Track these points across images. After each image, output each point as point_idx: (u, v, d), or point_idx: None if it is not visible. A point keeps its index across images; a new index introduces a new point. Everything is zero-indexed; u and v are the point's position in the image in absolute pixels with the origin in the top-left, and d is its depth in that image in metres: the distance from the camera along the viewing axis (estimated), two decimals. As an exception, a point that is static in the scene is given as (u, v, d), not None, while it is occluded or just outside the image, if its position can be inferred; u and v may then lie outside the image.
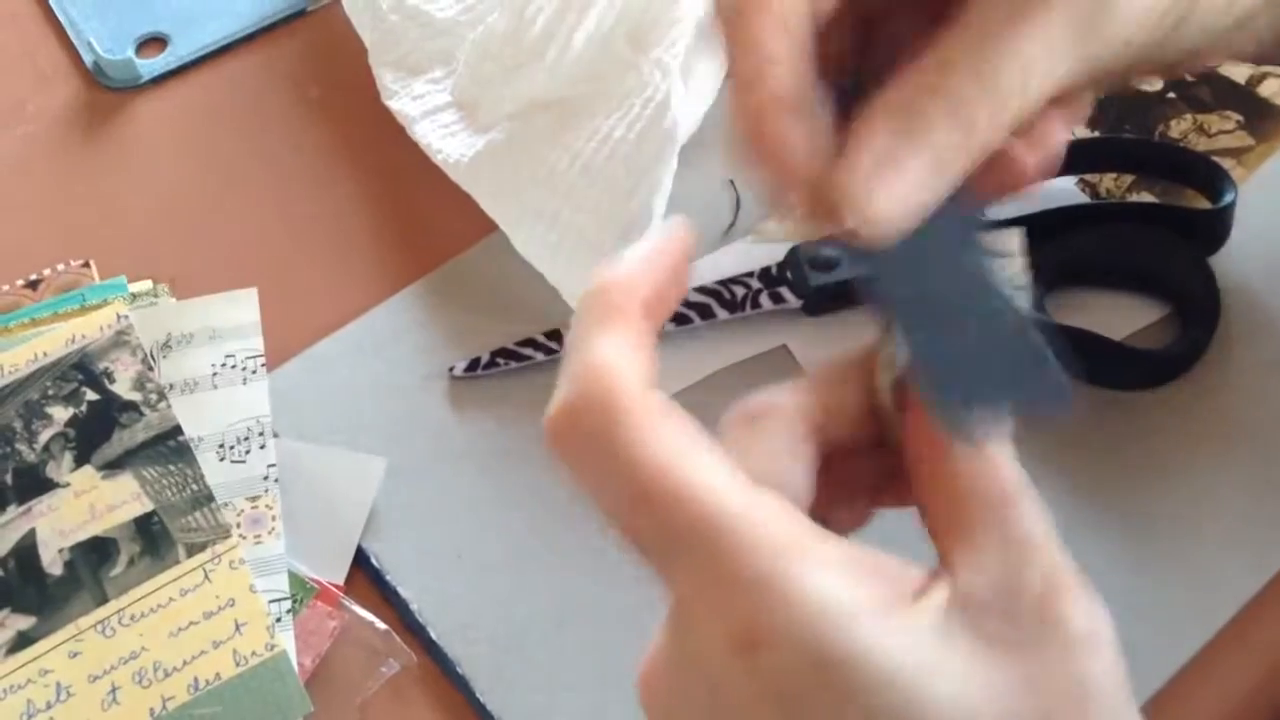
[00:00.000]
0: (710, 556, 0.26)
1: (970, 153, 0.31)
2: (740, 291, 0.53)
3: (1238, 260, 0.53)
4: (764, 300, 0.53)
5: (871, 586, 0.27)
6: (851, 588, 0.26)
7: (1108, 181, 0.56)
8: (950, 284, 0.32)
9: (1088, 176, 0.56)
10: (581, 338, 0.29)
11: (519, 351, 0.52)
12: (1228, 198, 0.52)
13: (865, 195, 0.29)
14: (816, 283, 0.53)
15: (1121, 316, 0.52)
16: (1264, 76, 0.60)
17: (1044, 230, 0.52)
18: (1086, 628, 0.28)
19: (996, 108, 0.31)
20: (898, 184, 0.30)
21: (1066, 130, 0.35)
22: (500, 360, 0.52)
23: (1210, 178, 0.53)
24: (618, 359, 0.28)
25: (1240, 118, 0.59)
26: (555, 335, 0.53)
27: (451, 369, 0.52)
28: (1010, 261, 0.33)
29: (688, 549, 0.27)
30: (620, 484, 0.28)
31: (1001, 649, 0.27)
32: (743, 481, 0.27)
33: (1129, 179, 0.56)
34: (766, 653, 0.26)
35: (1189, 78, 0.59)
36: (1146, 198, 0.56)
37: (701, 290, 0.53)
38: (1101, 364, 0.51)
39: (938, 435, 0.30)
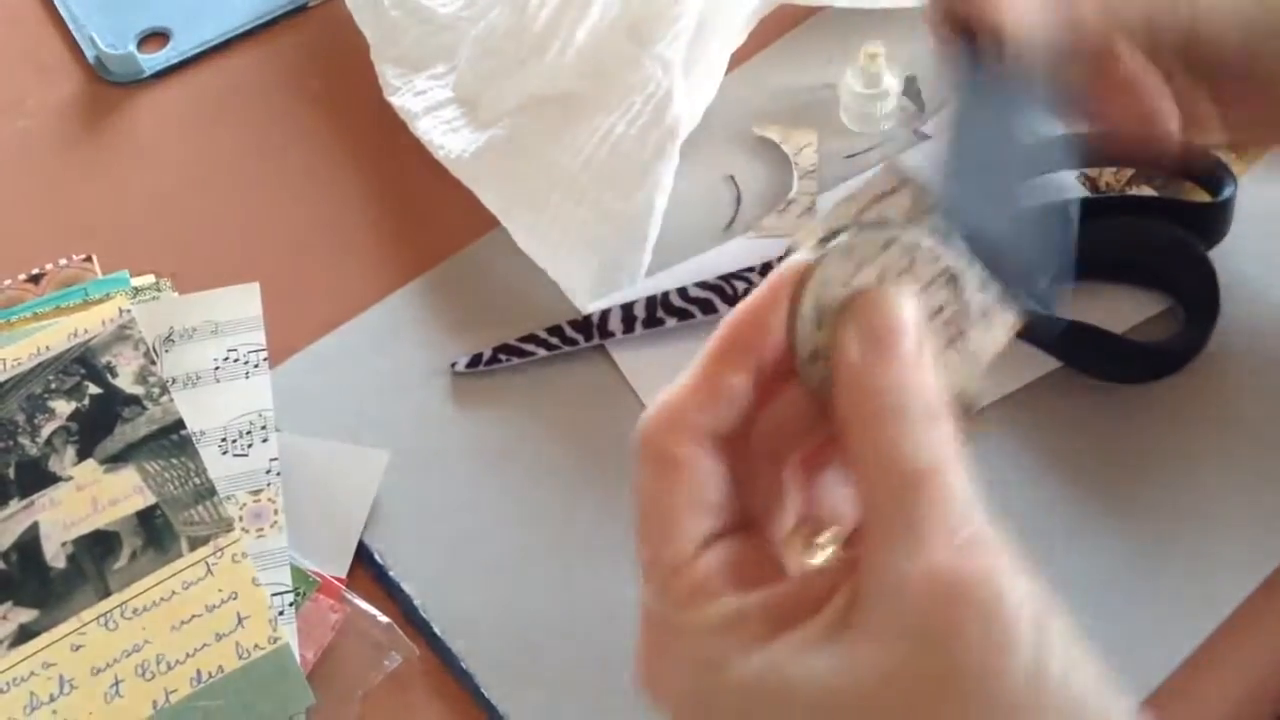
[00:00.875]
0: (650, 595, 0.32)
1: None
2: (742, 286, 0.53)
3: (1237, 253, 0.53)
4: None
5: (752, 624, 0.30)
6: (725, 634, 0.31)
7: (1107, 175, 0.56)
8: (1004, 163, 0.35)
9: (1088, 170, 0.56)
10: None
11: (521, 347, 0.53)
12: (1227, 191, 0.52)
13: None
14: None
15: (1122, 310, 0.52)
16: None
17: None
18: (955, 617, 0.28)
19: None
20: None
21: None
22: (502, 356, 0.52)
23: (1210, 171, 0.53)
24: (680, 406, 0.33)
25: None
26: (557, 331, 0.53)
27: (454, 365, 0.52)
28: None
29: (646, 583, 0.33)
30: (635, 500, 0.33)
31: (878, 646, 0.28)
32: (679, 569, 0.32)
33: (1129, 173, 0.56)
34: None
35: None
36: (1146, 191, 0.56)
37: (703, 285, 0.53)
38: (1102, 357, 0.51)
39: (846, 413, 0.31)
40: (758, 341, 0.33)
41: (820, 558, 0.33)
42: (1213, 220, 0.53)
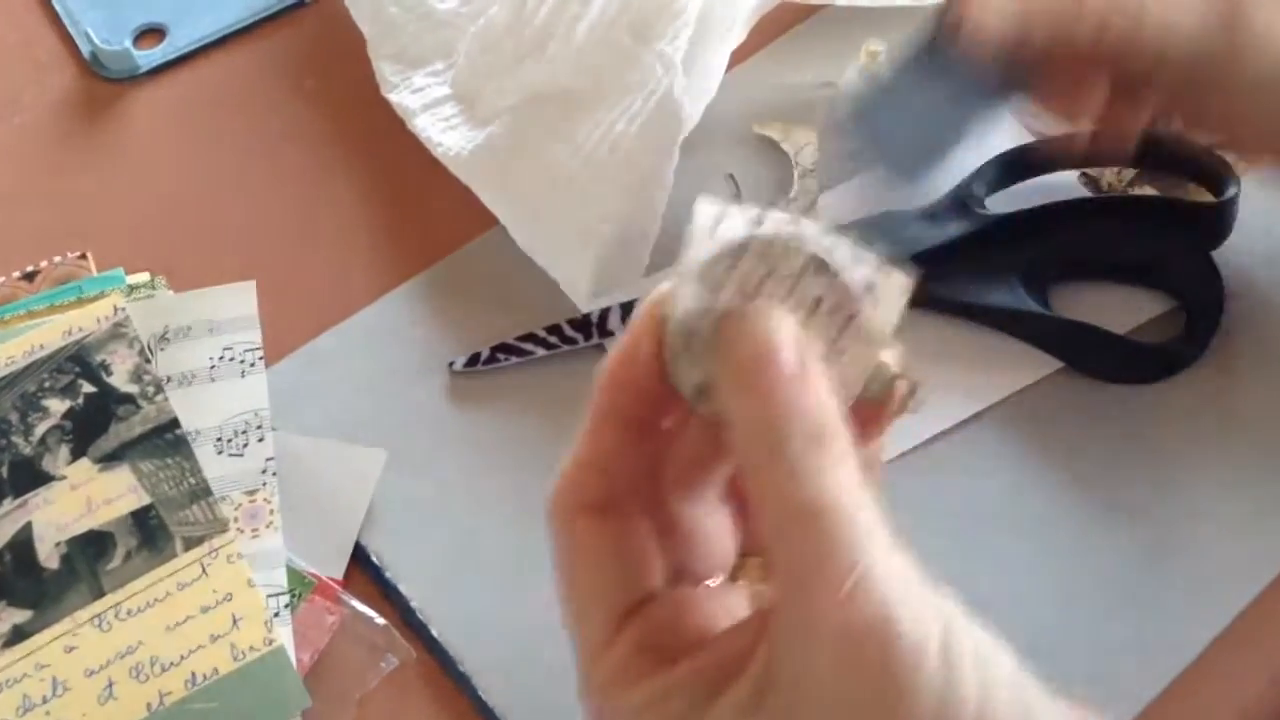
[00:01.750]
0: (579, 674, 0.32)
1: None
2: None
3: (1240, 253, 0.53)
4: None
5: (675, 703, 0.29)
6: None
7: (1109, 175, 0.56)
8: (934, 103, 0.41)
9: (1090, 170, 0.56)
10: None
11: (519, 346, 0.52)
12: (1231, 191, 0.52)
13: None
14: None
15: (1125, 310, 0.52)
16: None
17: (1047, 224, 0.52)
18: (852, 679, 0.27)
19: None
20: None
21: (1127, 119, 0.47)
22: (500, 355, 0.52)
23: (1213, 171, 0.53)
24: (571, 476, 0.33)
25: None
26: (555, 330, 0.52)
27: (451, 364, 0.52)
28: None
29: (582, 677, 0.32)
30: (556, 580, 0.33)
31: (797, 709, 0.28)
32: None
33: (1131, 173, 0.56)
34: None
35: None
36: (1149, 191, 0.55)
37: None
38: (1104, 358, 0.51)
39: (735, 442, 0.29)
40: (638, 387, 0.31)
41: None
42: (1215, 221, 0.53)
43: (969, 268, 0.52)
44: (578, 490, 0.32)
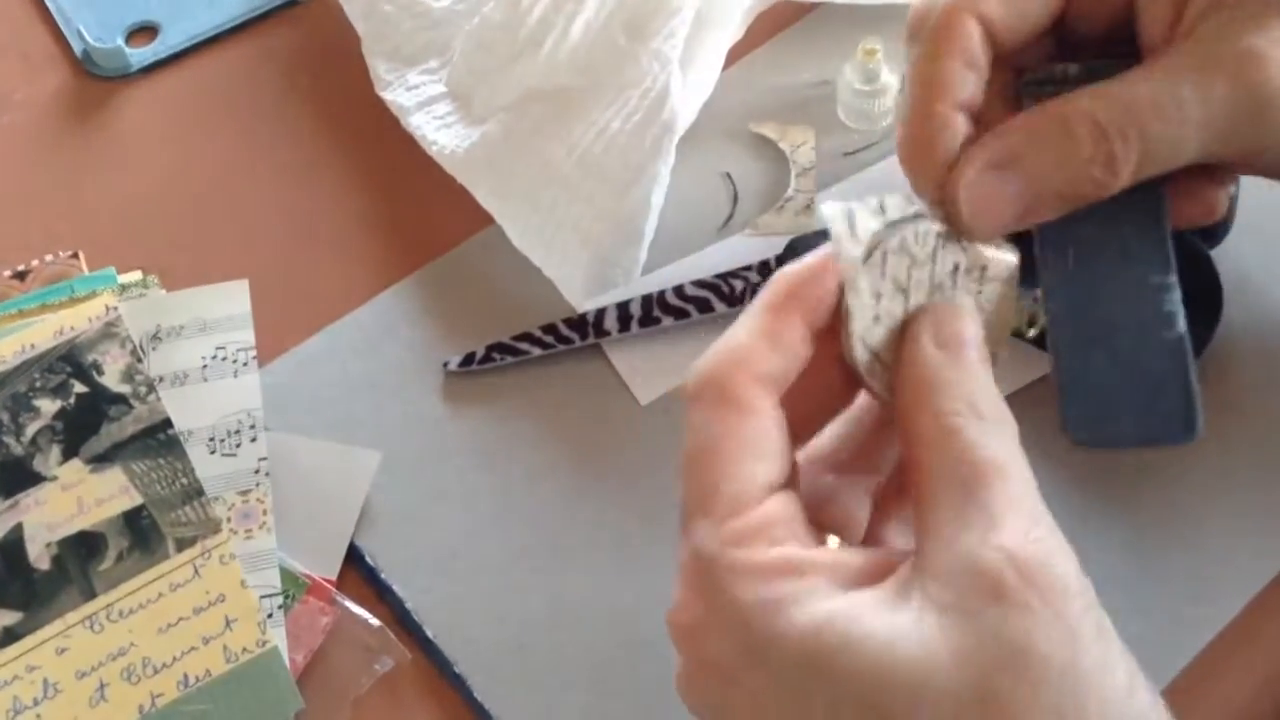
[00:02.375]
0: (700, 535, 0.32)
1: (1068, 186, 0.36)
2: (739, 285, 0.52)
3: (1240, 254, 0.53)
4: None
5: (817, 575, 0.30)
6: (789, 577, 0.30)
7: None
8: (1115, 301, 0.36)
9: None
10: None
11: (515, 346, 0.52)
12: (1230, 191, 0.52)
13: (963, 200, 0.35)
14: None
15: None
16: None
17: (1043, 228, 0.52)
18: (1030, 602, 0.29)
19: (1135, 163, 0.36)
20: (992, 200, 0.35)
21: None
22: (495, 355, 0.52)
23: (1210, 169, 0.53)
24: (752, 350, 0.33)
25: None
26: (552, 329, 0.52)
27: (446, 364, 0.52)
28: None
29: (694, 525, 0.32)
30: (691, 445, 0.33)
31: (949, 616, 0.29)
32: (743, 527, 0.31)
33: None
34: (752, 671, 0.31)
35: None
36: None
37: (700, 284, 0.52)
38: None
39: (917, 407, 0.32)
40: (815, 299, 0.33)
41: None
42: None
43: None
44: (745, 361, 0.32)
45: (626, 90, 0.53)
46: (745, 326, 0.33)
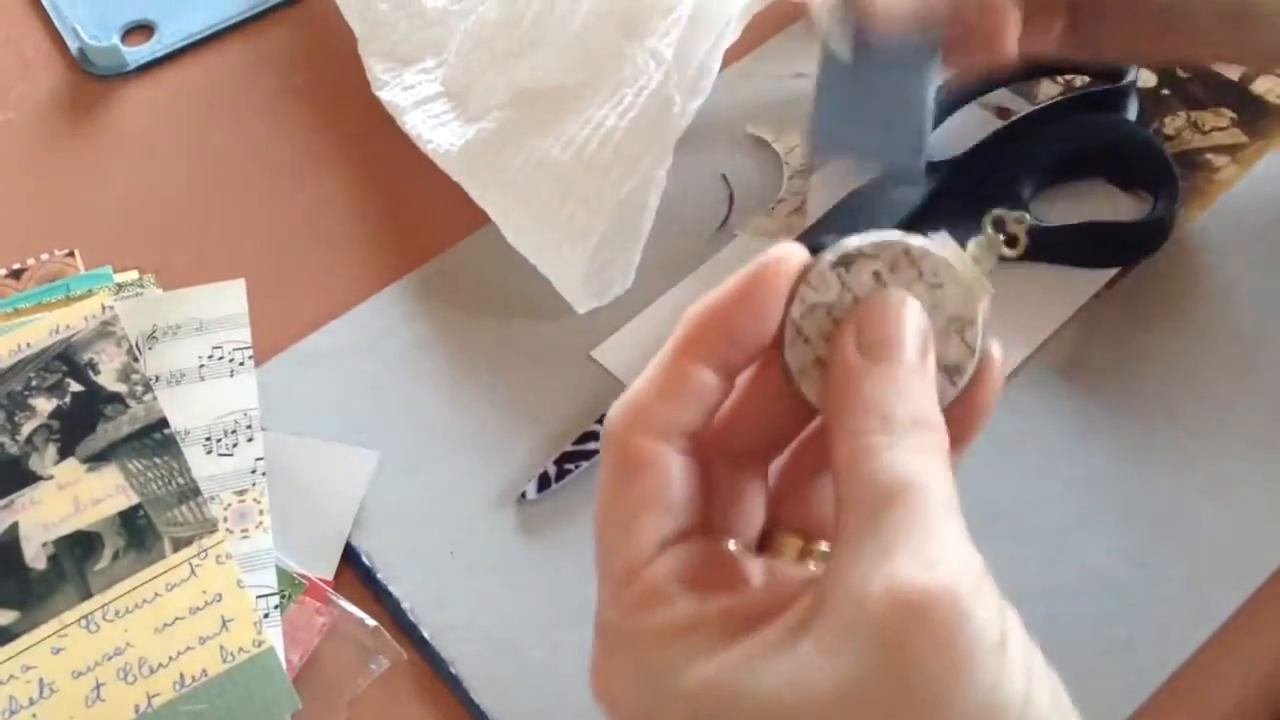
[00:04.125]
0: (603, 600, 0.32)
1: None
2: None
3: (1239, 258, 0.53)
4: None
5: (705, 632, 0.30)
6: (675, 641, 0.30)
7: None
8: (886, 85, 0.39)
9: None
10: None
11: (584, 450, 0.49)
12: (1130, 75, 0.56)
13: None
14: None
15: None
16: (1258, 74, 0.60)
17: (1000, 152, 0.55)
18: (914, 634, 0.27)
19: None
20: None
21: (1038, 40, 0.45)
22: (570, 466, 0.49)
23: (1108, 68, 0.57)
24: (645, 401, 0.32)
25: (1234, 115, 0.58)
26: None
27: (524, 495, 0.48)
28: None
29: (600, 588, 0.32)
30: (597, 498, 0.33)
31: (833, 657, 0.28)
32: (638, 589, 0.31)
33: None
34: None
35: (1182, 73, 0.59)
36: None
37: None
38: (1104, 247, 0.53)
39: (834, 423, 0.30)
40: (725, 337, 0.32)
41: (814, 567, 0.33)
42: (1117, 102, 0.56)
43: (949, 215, 0.53)
44: (645, 412, 0.32)
45: (622, 88, 0.53)
46: (644, 377, 0.32)
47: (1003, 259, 0.32)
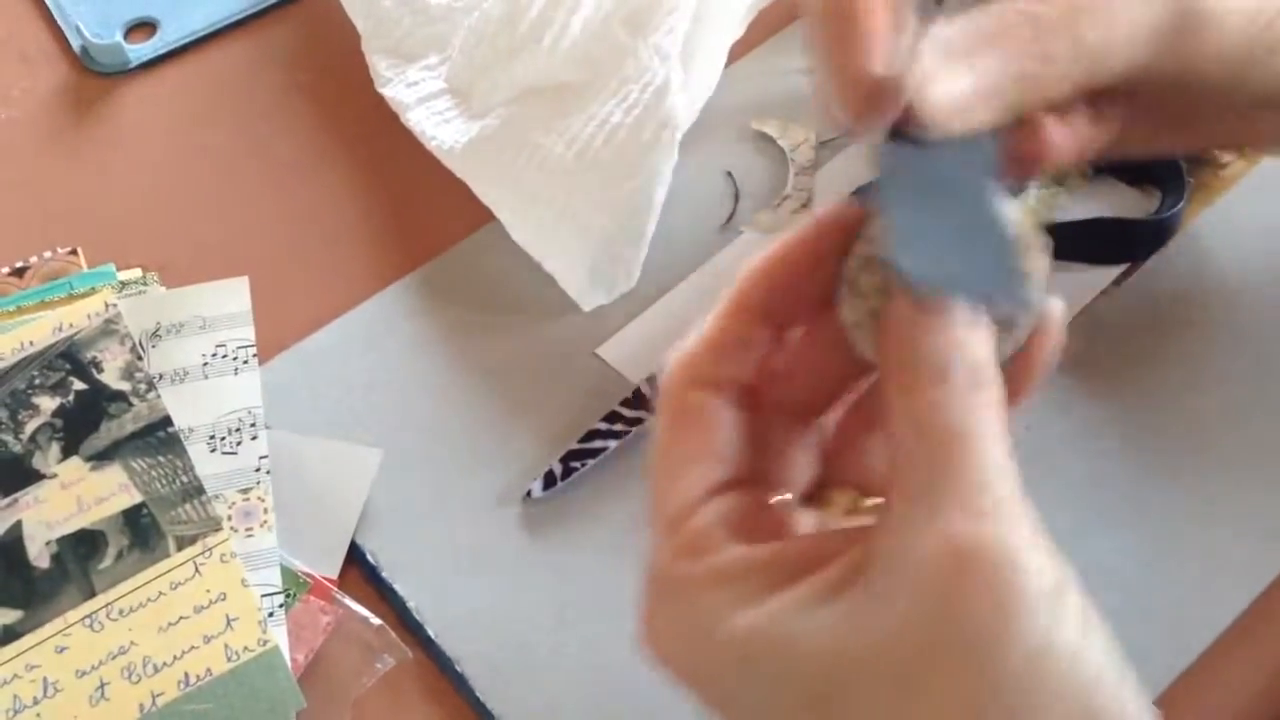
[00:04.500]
0: (651, 547, 0.32)
1: (1028, 90, 0.34)
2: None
3: (1247, 255, 0.53)
4: None
5: (753, 579, 0.30)
6: (723, 587, 0.30)
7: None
8: (952, 196, 0.34)
9: None
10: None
11: (589, 449, 0.49)
12: None
13: (929, 83, 0.33)
14: None
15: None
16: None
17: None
18: (964, 583, 0.27)
19: (1073, 61, 0.35)
20: (958, 84, 0.33)
21: (1093, 137, 0.39)
22: (575, 464, 0.48)
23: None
24: (695, 354, 0.33)
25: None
26: (614, 416, 0.49)
27: (529, 493, 0.48)
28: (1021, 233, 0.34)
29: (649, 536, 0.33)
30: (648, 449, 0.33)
31: (878, 600, 0.28)
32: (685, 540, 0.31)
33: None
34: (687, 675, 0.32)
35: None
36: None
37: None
38: (1114, 243, 0.53)
39: (889, 376, 0.31)
40: (780, 292, 0.32)
41: (863, 521, 0.33)
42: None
43: None
44: (698, 366, 0.33)
45: (627, 84, 0.53)
46: (700, 331, 0.33)
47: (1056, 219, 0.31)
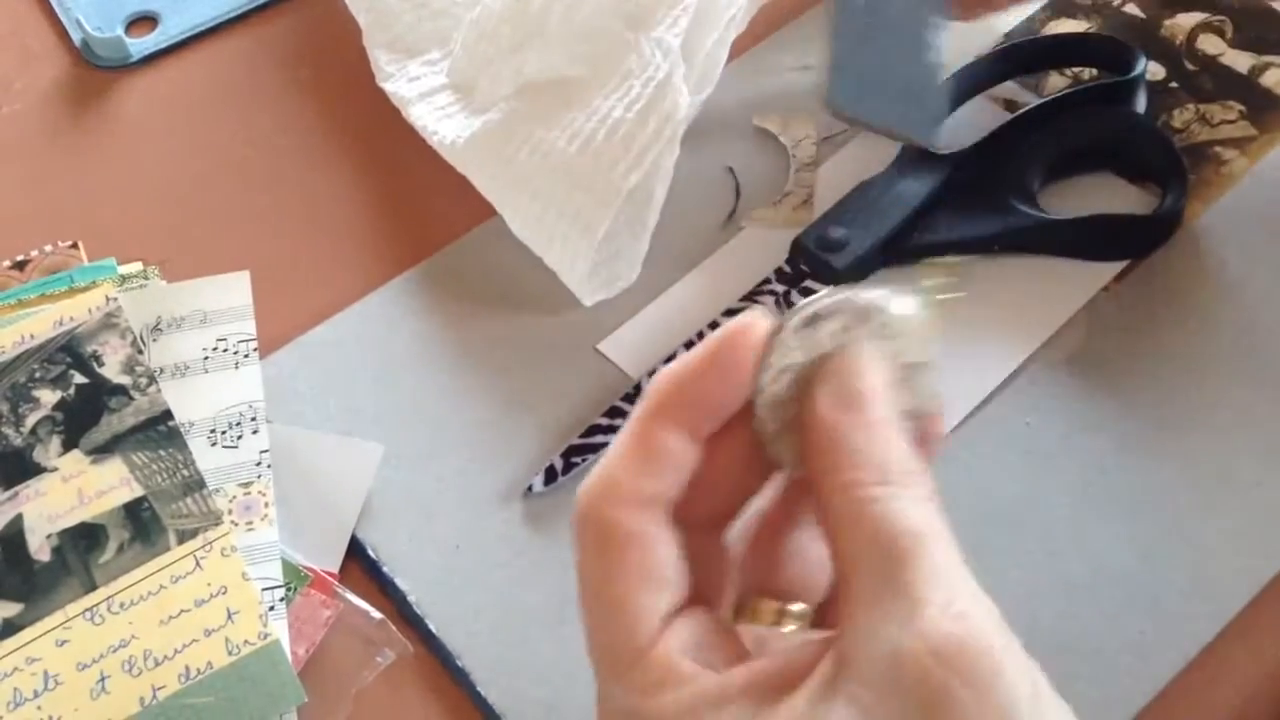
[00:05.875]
0: (608, 686, 0.31)
1: None
2: (770, 299, 0.52)
3: (1248, 251, 0.53)
4: (796, 298, 0.52)
5: (734, 705, 0.28)
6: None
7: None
8: (894, 32, 0.36)
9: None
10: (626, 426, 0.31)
11: (590, 444, 0.49)
12: (1139, 68, 0.56)
13: None
14: (840, 264, 0.52)
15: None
16: (1266, 67, 0.59)
17: (1008, 142, 0.55)
18: (954, 686, 0.27)
19: None
20: None
21: None
22: (575, 459, 0.49)
23: (1117, 56, 0.57)
24: (621, 474, 0.31)
25: (1242, 108, 0.58)
26: (615, 412, 0.50)
27: (530, 488, 0.48)
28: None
29: (600, 674, 0.31)
30: (579, 580, 0.31)
31: (871, 715, 0.27)
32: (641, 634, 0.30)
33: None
34: None
35: (1190, 66, 0.59)
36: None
37: (731, 313, 0.52)
38: (1112, 239, 0.53)
39: (825, 480, 0.30)
40: (695, 405, 0.31)
41: (791, 629, 0.32)
42: (1127, 95, 0.56)
43: (958, 208, 0.53)
44: (618, 487, 0.31)
45: (629, 79, 0.53)
46: (616, 448, 0.31)
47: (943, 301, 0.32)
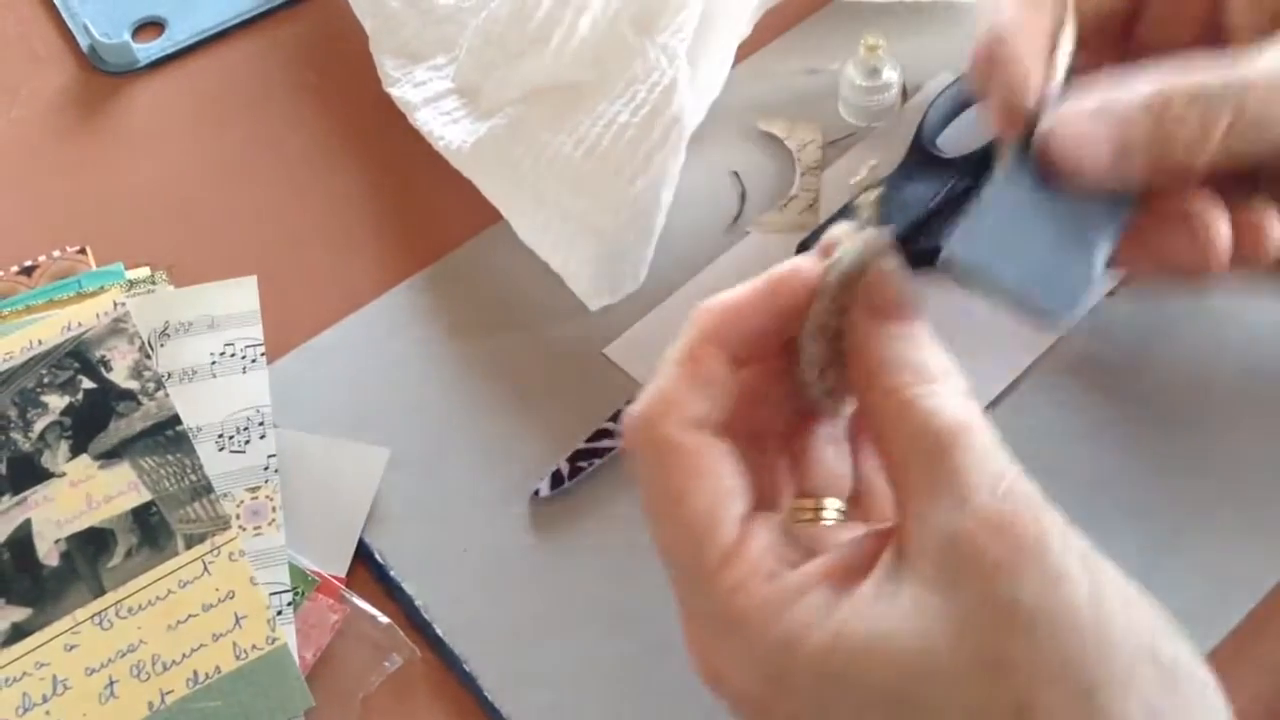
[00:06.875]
0: (696, 592, 0.33)
1: (1149, 154, 0.36)
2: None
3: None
4: None
5: (814, 594, 0.31)
6: (791, 609, 0.31)
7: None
8: (1052, 224, 0.36)
9: None
10: (667, 355, 0.34)
11: (596, 448, 0.49)
12: None
13: (1062, 118, 0.37)
14: None
15: None
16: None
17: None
18: (1012, 557, 0.29)
19: (1205, 131, 0.36)
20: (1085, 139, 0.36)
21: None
22: (582, 464, 0.49)
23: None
24: (676, 395, 0.33)
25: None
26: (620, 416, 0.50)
27: (537, 491, 0.48)
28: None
29: (686, 582, 0.34)
30: (650, 498, 0.34)
31: (938, 593, 0.30)
32: (723, 539, 0.32)
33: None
34: (734, 685, 0.33)
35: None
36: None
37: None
38: None
39: (869, 388, 0.33)
40: (738, 334, 0.34)
41: (829, 521, 0.35)
42: None
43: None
44: (677, 407, 0.33)
45: (634, 84, 0.53)
46: (665, 373, 0.34)
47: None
